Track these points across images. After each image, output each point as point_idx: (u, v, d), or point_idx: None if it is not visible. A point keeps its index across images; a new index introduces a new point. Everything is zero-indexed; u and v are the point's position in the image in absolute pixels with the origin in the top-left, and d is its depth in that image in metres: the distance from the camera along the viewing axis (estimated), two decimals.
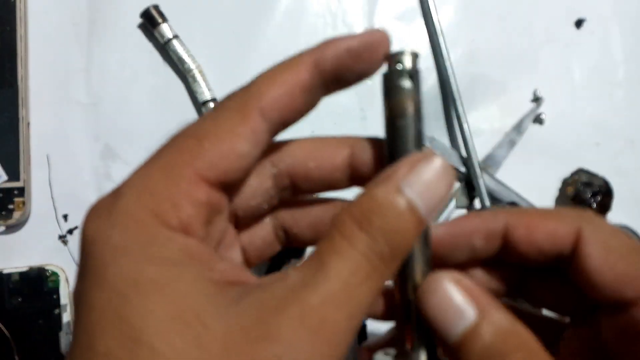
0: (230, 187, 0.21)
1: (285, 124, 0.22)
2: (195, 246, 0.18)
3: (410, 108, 0.22)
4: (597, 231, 0.22)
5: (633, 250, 0.22)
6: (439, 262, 0.23)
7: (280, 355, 0.16)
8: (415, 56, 0.22)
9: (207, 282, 0.17)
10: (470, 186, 0.47)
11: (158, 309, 0.16)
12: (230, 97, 0.22)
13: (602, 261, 0.22)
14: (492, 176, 0.48)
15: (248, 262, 0.25)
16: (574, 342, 0.24)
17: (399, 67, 0.22)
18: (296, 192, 0.25)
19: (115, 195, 0.19)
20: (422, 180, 0.19)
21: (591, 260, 0.22)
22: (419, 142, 0.21)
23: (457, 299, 0.20)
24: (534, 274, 0.25)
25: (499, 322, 0.19)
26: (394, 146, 0.22)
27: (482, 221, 0.23)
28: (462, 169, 0.47)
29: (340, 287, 0.17)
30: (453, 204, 0.47)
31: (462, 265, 0.24)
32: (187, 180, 0.19)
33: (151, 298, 0.16)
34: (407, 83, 0.22)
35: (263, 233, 0.25)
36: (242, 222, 0.24)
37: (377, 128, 0.47)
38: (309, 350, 0.16)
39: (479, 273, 0.25)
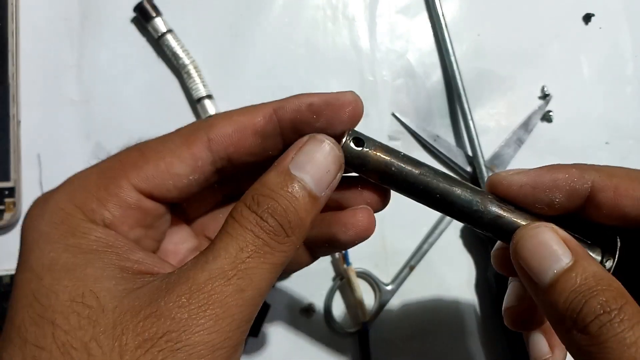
0: (169, 200, 0.23)
1: (233, 162, 0.23)
2: (113, 239, 0.21)
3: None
4: None
5: None
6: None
7: (169, 330, 0.17)
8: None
9: (116, 269, 0.20)
10: (476, 186, 0.46)
11: (63, 290, 0.19)
12: (187, 125, 0.24)
13: None
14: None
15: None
16: None
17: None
18: (234, 164, 0.25)
19: (54, 190, 0.22)
20: (310, 160, 0.21)
21: None
22: None
23: (555, 244, 0.21)
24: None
25: (591, 268, 0.20)
26: None
27: (567, 178, 0.23)
28: (468, 168, 0.46)
29: (228, 263, 0.19)
30: None
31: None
32: (118, 185, 0.21)
33: (60, 281, 0.19)
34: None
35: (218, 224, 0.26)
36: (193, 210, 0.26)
37: (378, 126, 0.46)
38: (197, 324, 0.18)
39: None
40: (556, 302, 0.20)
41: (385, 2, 0.47)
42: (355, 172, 0.22)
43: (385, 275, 0.45)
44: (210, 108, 0.42)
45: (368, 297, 0.44)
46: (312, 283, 0.44)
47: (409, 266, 0.44)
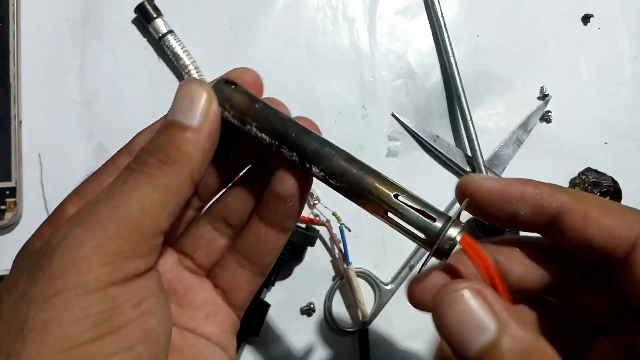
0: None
1: None
2: None
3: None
4: None
5: None
6: (480, 212, 0.23)
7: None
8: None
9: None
10: None
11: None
12: None
13: None
14: (498, 176, 0.47)
15: (201, 267, 0.26)
16: (607, 349, 0.23)
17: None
18: None
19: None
20: (175, 98, 0.22)
21: None
22: None
23: (478, 312, 0.19)
24: (575, 271, 0.23)
25: (520, 337, 0.18)
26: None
27: (537, 193, 0.22)
28: (467, 168, 0.46)
29: (104, 192, 0.20)
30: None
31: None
32: (63, 209, 0.22)
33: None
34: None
35: (200, 232, 0.26)
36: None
37: (378, 126, 0.46)
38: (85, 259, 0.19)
39: (518, 256, 0.24)
40: None
41: (385, 3, 0.47)
42: (222, 109, 0.23)
43: (385, 275, 0.45)
44: None
45: (368, 297, 0.44)
46: (313, 283, 0.44)
47: (409, 266, 0.45)
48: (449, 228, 0.21)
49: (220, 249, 0.26)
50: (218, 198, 0.26)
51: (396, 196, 0.22)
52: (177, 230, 0.25)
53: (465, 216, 0.26)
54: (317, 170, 0.23)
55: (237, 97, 0.23)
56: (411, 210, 0.22)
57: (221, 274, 0.26)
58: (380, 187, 0.22)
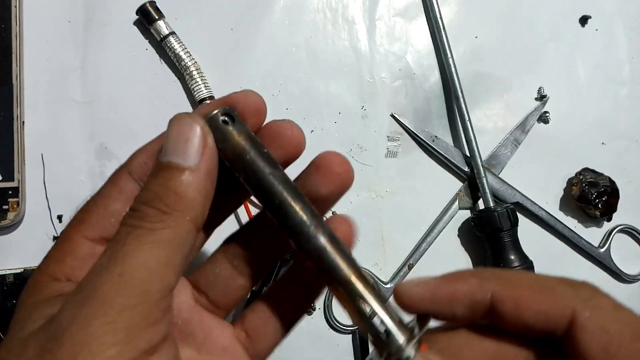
0: None
1: None
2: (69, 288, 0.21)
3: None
4: (595, 314, 0.20)
5: (637, 336, 0.20)
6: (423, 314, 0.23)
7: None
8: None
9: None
10: (473, 186, 0.46)
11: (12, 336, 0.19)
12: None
13: (599, 352, 0.20)
14: (496, 176, 0.47)
15: (217, 305, 0.25)
16: None
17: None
18: None
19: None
20: (168, 137, 0.20)
21: (586, 349, 0.20)
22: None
23: None
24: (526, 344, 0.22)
25: None
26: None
27: (467, 289, 0.22)
28: (466, 168, 0.46)
29: (105, 258, 0.19)
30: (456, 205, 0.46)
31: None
32: (70, 241, 0.22)
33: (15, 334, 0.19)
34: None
35: (217, 269, 0.24)
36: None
37: (378, 126, 0.46)
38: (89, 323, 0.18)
39: (463, 334, 0.23)
40: None
41: (384, 4, 0.47)
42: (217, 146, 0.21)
43: (384, 274, 0.45)
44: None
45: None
46: None
47: (408, 265, 0.45)
48: (407, 347, 0.21)
49: (239, 289, 0.25)
50: (237, 233, 0.25)
51: (370, 292, 0.21)
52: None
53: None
54: (293, 243, 0.22)
55: (231, 140, 0.21)
56: (380, 314, 0.21)
57: (249, 317, 0.24)
58: (356, 282, 0.21)
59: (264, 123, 0.23)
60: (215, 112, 0.21)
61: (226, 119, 0.21)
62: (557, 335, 0.21)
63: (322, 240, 0.21)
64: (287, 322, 0.25)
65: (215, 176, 0.21)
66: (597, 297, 0.21)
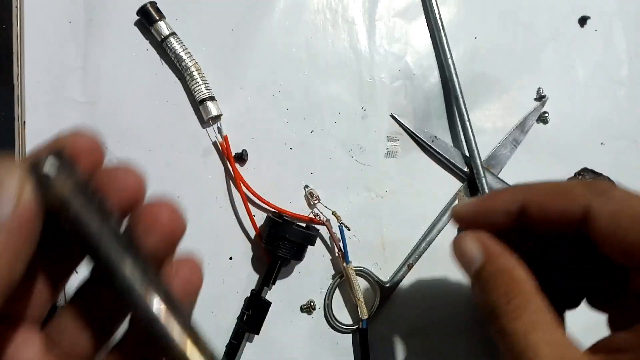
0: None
1: None
2: None
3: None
4: (606, 204, 0.24)
5: None
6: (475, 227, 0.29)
7: None
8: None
9: None
10: (473, 186, 0.47)
11: None
12: None
13: (609, 234, 0.23)
14: (495, 176, 0.47)
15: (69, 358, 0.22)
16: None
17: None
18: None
19: None
20: None
21: (598, 234, 0.24)
22: None
23: (471, 249, 0.27)
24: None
25: (500, 264, 0.26)
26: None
27: (502, 203, 0.28)
28: (465, 169, 0.47)
29: None
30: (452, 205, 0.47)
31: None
32: None
33: None
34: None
35: (67, 320, 0.22)
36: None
37: (377, 126, 0.47)
38: None
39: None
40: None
41: (384, 5, 0.48)
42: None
43: (384, 274, 0.45)
44: (213, 109, 0.42)
45: (367, 295, 0.45)
46: (313, 281, 0.44)
47: (408, 264, 0.45)
48: None
49: (88, 341, 0.22)
50: (87, 282, 0.22)
51: None
52: (38, 311, 0.22)
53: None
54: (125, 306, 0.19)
55: (54, 189, 0.18)
56: None
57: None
58: (192, 356, 0.19)
59: (102, 166, 0.21)
60: (40, 158, 0.19)
61: (51, 163, 0.19)
62: (581, 228, 0.25)
63: (153, 306, 0.19)
64: None
65: (33, 231, 0.18)
66: (610, 190, 0.24)
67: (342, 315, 0.44)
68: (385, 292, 0.44)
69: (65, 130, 0.21)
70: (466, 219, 0.30)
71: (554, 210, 0.26)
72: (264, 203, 0.43)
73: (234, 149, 0.43)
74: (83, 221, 0.19)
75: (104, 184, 0.21)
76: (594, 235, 0.24)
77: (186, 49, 0.42)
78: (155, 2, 0.43)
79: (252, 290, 0.43)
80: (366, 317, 0.43)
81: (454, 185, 0.47)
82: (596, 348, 0.24)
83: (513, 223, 0.28)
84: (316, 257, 0.45)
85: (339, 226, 0.43)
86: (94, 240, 0.19)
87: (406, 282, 0.45)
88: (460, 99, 0.46)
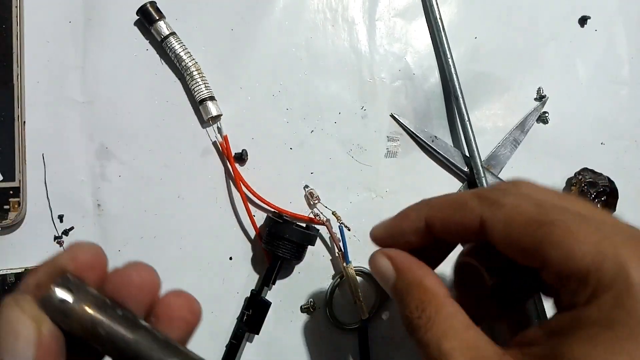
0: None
1: None
2: None
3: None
4: (498, 214, 0.24)
5: (529, 223, 0.23)
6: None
7: None
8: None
9: None
10: (473, 186, 0.46)
11: None
12: None
13: (506, 242, 0.24)
14: (495, 176, 0.47)
15: None
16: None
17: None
18: None
19: None
20: None
21: (497, 242, 0.24)
22: None
23: (383, 266, 0.28)
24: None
25: (409, 277, 0.27)
26: None
27: (409, 222, 0.29)
28: (465, 168, 0.46)
29: None
30: None
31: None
32: None
33: None
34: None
35: None
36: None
37: (377, 126, 0.47)
38: None
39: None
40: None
41: (384, 5, 0.48)
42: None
43: None
44: (213, 109, 0.42)
45: (367, 295, 0.44)
46: (313, 281, 0.44)
47: None
48: None
49: None
50: None
51: None
52: None
53: None
54: None
55: (75, 316, 0.18)
56: None
57: None
58: None
59: (106, 270, 0.21)
60: (49, 290, 0.18)
61: (63, 291, 0.18)
62: (481, 237, 0.25)
63: None
64: None
65: (60, 356, 0.18)
66: (501, 198, 0.25)
67: (342, 315, 0.44)
68: (385, 292, 0.44)
69: (58, 252, 0.20)
70: (382, 240, 0.31)
71: (453, 224, 0.26)
72: (264, 203, 0.43)
73: (234, 149, 0.43)
74: (116, 337, 0.18)
75: (119, 289, 0.20)
76: (493, 243, 0.25)
77: (186, 48, 0.42)
78: (155, 2, 0.43)
79: (252, 290, 0.43)
80: (366, 317, 0.43)
81: (454, 185, 0.47)
82: (511, 343, 0.24)
83: (428, 238, 0.28)
84: (316, 257, 0.44)
85: (339, 226, 0.43)
86: (135, 352, 0.18)
87: None
88: (461, 99, 0.46)
